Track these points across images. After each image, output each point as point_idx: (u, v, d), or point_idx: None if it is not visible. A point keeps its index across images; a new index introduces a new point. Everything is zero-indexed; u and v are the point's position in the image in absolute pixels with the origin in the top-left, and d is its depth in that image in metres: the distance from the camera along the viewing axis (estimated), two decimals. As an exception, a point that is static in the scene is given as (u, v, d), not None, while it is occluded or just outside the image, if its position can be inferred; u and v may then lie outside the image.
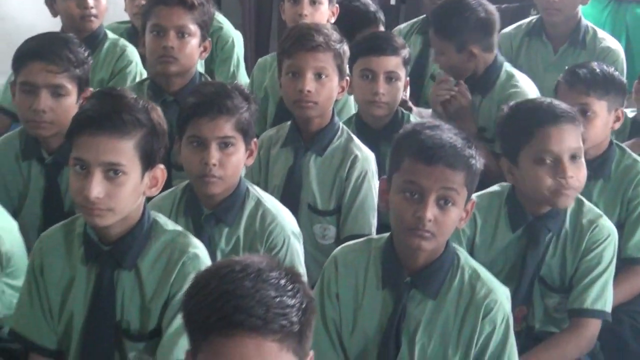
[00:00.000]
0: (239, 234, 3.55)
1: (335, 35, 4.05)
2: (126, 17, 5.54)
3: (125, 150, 3.01)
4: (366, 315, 3.15)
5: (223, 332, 2.21)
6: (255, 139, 3.55)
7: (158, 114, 3.16)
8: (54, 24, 5.20)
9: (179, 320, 3.06)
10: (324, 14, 4.96)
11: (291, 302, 2.25)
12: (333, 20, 5.00)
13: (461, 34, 4.57)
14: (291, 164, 4.05)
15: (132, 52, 4.97)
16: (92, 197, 2.93)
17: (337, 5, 5.08)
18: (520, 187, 3.57)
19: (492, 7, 4.67)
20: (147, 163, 3.06)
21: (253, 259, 2.38)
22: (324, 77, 3.96)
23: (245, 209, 3.55)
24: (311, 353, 2.35)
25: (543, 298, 3.61)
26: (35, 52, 3.89)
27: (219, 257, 3.38)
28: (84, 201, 2.97)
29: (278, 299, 2.23)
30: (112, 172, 2.97)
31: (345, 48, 4.06)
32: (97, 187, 2.95)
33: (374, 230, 3.94)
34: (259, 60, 5.28)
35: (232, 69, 5.32)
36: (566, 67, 4.39)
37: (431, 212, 2.95)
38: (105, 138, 2.98)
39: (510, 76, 4.71)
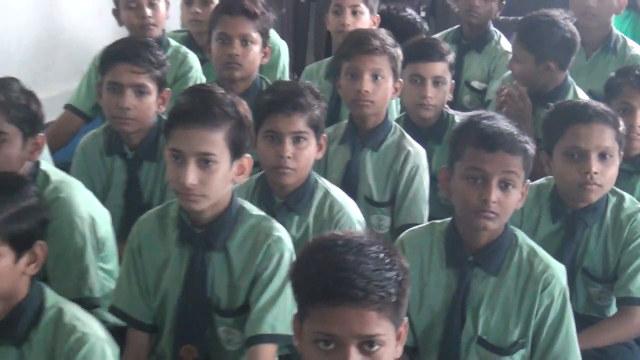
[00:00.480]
0: (308, 221, 3.61)
1: (390, 40, 4.13)
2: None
3: (216, 141, 3.08)
4: (432, 293, 3.21)
5: (327, 302, 2.28)
6: (324, 135, 3.63)
7: (244, 107, 3.24)
8: (111, 34, 5.31)
9: (265, 297, 3.18)
10: (365, 24, 5.01)
11: (389, 274, 2.30)
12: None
13: (544, 48, 4.57)
14: (349, 159, 4.11)
15: (193, 58, 5.02)
16: (188, 184, 3.02)
17: (378, 15, 5.16)
18: (555, 180, 3.65)
19: (575, 30, 4.68)
20: (235, 152, 3.13)
21: (354, 234, 2.44)
22: (380, 78, 4.04)
23: (314, 198, 3.61)
24: (405, 320, 2.40)
25: (586, 287, 3.66)
26: (121, 54, 3.99)
27: None
28: (180, 188, 3.06)
29: (377, 272, 2.29)
30: (205, 161, 3.05)
31: (399, 52, 4.14)
32: (192, 175, 3.03)
33: (425, 220, 3.96)
34: (307, 68, 5.36)
35: (278, 75, 5.35)
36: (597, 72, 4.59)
37: (495, 194, 3.03)
38: (198, 130, 3.07)
39: (576, 97, 4.68)
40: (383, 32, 4.23)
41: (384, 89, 4.07)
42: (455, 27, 5.67)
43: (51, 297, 2.85)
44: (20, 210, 2.74)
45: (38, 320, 2.79)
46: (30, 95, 3.55)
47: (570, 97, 4.62)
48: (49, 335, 2.79)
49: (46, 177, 3.59)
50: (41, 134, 3.58)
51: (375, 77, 4.05)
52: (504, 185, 3.07)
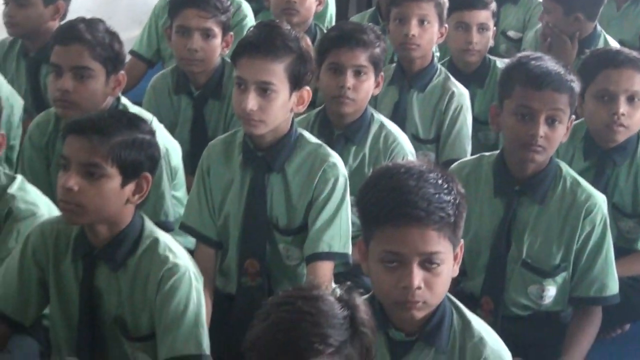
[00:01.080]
0: (365, 151, 3.67)
1: None
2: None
3: (276, 71, 3.15)
4: (480, 220, 3.28)
5: (393, 222, 2.34)
6: (382, 73, 3.69)
7: (307, 42, 3.29)
8: None
9: (322, 218, 3.27)
10: None
11: (447, 198, 2.36)
12: None
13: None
14: (397, 100, 4.16)
15: (247, 7, 5.08)
16: (248, 110, 3.11)
17: None
18: (586, 122, 3.69)
19: None
20: (295, 84, 3.19)
21: (414, 163, 2.52)
22: (426, 23, 4.09)
23: (370, 130, 3.68)
24: (461, 242, 2.47)
25: (616, 221, 3.66)
26: (189, 0, 4.04)
27: (347, 172, 3.44)
28: (242, 113, 3.15)
29: (437, 195, 2.35)
30: (264, 89, 3.13)
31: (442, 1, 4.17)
32: (252, 101, 3.11)
33: (468, 155, 3.97)
34: (352, 18, 5.39)
35: (326, 24, 5.35)
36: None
37: (542, 129, 3.09)
38: (260, 60, 3.14)
39: (607, 44, 4.70)
40: None
41: (430, 33, 4.11)
42: None
43: (149, 227, 2.91)
44: (134, 140, 2.78)
45: (136, 248, 2.85)
46: (113, 36, 3.62)
47: (600, 45, 4.64)
48: (144, 262, 2.85)
49: (126, 110, 3.62)
50: (122, 72, 3.64)
51: (422, 22, 4.09)
52: (551, 121, 3.12)
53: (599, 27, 4.74)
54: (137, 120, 2.87)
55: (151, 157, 2.85)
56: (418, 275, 2.35)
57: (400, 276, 2.36)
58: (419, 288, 2.35)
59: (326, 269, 3.24)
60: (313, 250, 3.25)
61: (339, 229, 3.23)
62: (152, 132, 2.89)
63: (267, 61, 3.16)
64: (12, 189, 3.19)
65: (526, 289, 3.30)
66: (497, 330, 2.64)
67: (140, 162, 2.80)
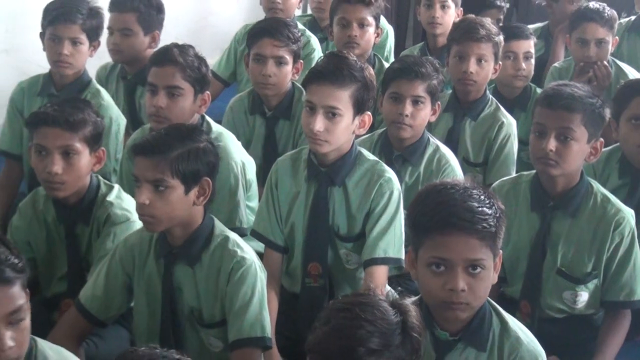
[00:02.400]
0: (420, 171, 3.67)
1: (494, 29, 4.15)
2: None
3: (342, 98, 3.18)
4: (518, 232, 3.28)
5: (440, 231, 2.38)
6: (438, 102, 3.71)
7: (370, 72, 3.33)
8: (247, 18, 5.45)
9: (378, 227, 3.28)
10: (452, 16, 4.95)
11: (489, 211, 2.40)
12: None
13: None
14: (451, 126, 4.14)
15: (315, 41, 5.09)
16: (315, 130, 3.15)
17: (462, 8, 5.11)
18: (620, 144, 3.67)
19: None
20: (358, 109, 3.23)
21: (460, 181, 2.56)
22: (483, 62, 4.07)
23: (426, 152, 3.68)
24: (500, 252, 2.49)
25: None
26: (265, 30, 4.08)
27: (402, 189, 3.45)
28: (309, 132, 3.19)
29: (480, 208, 2.39)
30: (332, 113, 3.17)
31: (501, 39, 4.16)
32: (319, 123, 3.15)
33: None
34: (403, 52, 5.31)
35: (385, 54, 5.36)
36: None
37: (552, 144, 3.10)
38: (328, 87, 3.18)
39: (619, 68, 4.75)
40: (489, 22, 4.23)
41: (486, 70, 4.10)
42: (545, 23, 5.58)
43: (219, 226, 2.97)
44: (189, 152, 2.83)
45: (208, 244, 2.92)
46: (201, 60, 3.67)
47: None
48: (216, 257, 2.91)
49: (209, 127, 3.71)
50: (207, 92, 3.69)
51: (479, 60, 4.07)
52: (563, 138, 3.13)
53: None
54: (192, 132, 2.93)
55: (208, 163, 2.89)
56: (462, 279, 2.38)
57: (447, 279, 2.39)
58: (463, 290, 2.38)
59: (382, 272, 3.27)
60: (370, 256, 3.27)
61: (394, 237, 3.25)
62: (207, 140, 2.93)
63: (334, 88, 3.20)
64: (111, 197, 3.26)
65: (561, 294, 3.29)
66: (534, 331, 2.64)
67: (198, 170, 2.85)
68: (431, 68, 3.65)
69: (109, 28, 4.39)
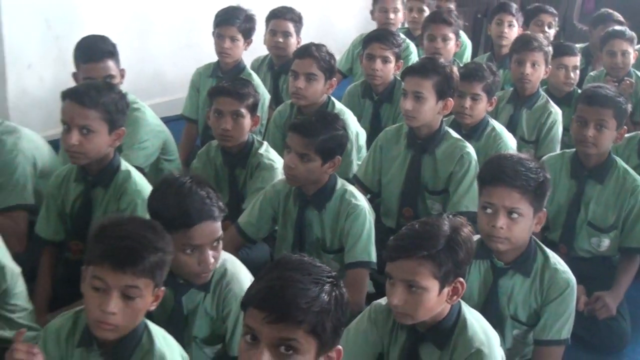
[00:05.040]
0: (480, 144, 3.60)
1: (545, 42, 4.12)
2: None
3: (426, 86, 3.22)
4: (560, 194, 3.31)
5: (491, 183, 2.50)
6: (495, 97, 3.67)
7: (451, 69, 3.33)
8: (364, 29, 5.31)
9: (462, 188, 3.28)
10: (515, 32, 4.86)
11: (532, 175, 2.48)
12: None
13: None
14: (511, 114, 4.05)
15: (413, 47, 5.01)
16: (405, 109, 3.24)
17: (522, 28, 5.00)
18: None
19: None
20: (440, 96, 3.25)
21: (520, 153, 2.63)
22: (536, 66, 4.02)
23: (485, 131, 3.67)
24: (544, 210, 2.53)
25: None
26: (376, 37, 4.05)
27: None
28: (403, 111, 3.27)
29: (525, 172, 2.47)
30: (418, 97, 3.20)
31: (550, 49, 4.13)
32: (409, 104, 3.22)
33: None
34: None
35: (464, 61, 5.04)
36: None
37: (591, 132, 3.15)
38: (416, 78, 3.26)
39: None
40: (541, 37, 4.22)
41: (539, 72, 4.07)
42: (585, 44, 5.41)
43: (340, 182, 3.00)
44: (331, 136, 2.87)
45: (332, 195, 2.97)
46: (331, 55, 3.75)
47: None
48: (336, 204, 2.97)
49: (334, 105, 3.79)
50: (334, 79, 3.74)
51: (533, 65, 4.02)
52: (599, 127, 3.15)
53: None
54: (334, 120, 2.95)
55: (341, 145, 2.94)
56: (502, 220, 2.45)
57: (491, 219, 2.48)
58: (502, 228, 2.45)
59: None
60: (457, 209, 3.22)
61: (474, 195, 3.11)
62: (343, 127, 2.96)
63: (420, 78, 3.27)
64: (261, 150, 3.34)
65: (589, 240, 3.31)
66: (569, 267, 2.67)
67: (334, 149, 2.90)
68: (488, 72, 3.64)
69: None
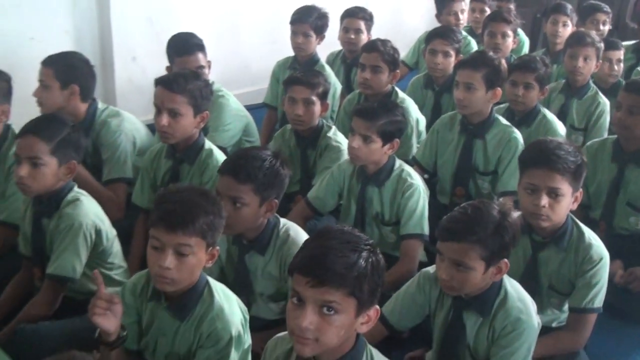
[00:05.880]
0: (531, 130, 3.59)
1: (597, 38, 4.08)
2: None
3: (476, 77, 3.23)
4: (602, 175, 3.31)
5: (533, 165, 2.47)
6: (547, 87, 3.64)
7: (500, 61, 3.35)
8: (429, 27, 5.17)
9: (509, 169, 3.25)
10: (569, 31, 4.74)
11: (571, 158, 2.47)
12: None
13: None
14: (563, 103, 4.02)
15: (473, 42, 4.95)
16: (457, 98, 3.27)
17: (578, 24, 4.97)
18: None
19: None
20: (489, 85, 3.24)
21: (559, 139, 2.60)
22: (588, 60, 4.00)
23: (537, 118, 3.63)
24: (581, 190, 2.50)
25: None
26: (438, 33, 4.06)
27: None
28: (457, 101, 3.26)
29: (564, 155, 2.46)
30: (469, 87, 3.23)
31: (602, 45, 4.05)
32: (462, 94, 3.24)
33: None
34: None
35: (521, 53, 5.05)
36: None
37: (624, 116, 3.14)
38: (467, 70, 3.27)
39: None
40: (593, 34, 4.18)
41: (590, 66, 4.05)
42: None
43: (398, 162, 3.00)
44: (391, 121, 2.90)
45: (390, 174, 2.99)
46: (395, 49, 3.71)
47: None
48: (394, 182, 2.99)
49: (397, 94, 3.78)
50: (397, 70, 3.73)
51: (585, 59, 4.01)
52: (637, 111, 3.13)
53: None
54: (393, 107, 2.97)
55: (400, 129, 2.97)
56: (544, 199, 2.45)
57: (534, 199, 2.47)
58: (544, 207, 2.45)
59: (509, 199, 3.19)
60: (505, 189, 3.28)
61: (515, 174, 2.89)
62: (402, 114, 2.97)
63: (471, 70, 3.30)
64: (329, 133, 3.37)
65: (627, 218, 3.28)
66: (608, 244, 2.63)
67: (393, 133, 2.92)
68: (540, 64, 3.62)
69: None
